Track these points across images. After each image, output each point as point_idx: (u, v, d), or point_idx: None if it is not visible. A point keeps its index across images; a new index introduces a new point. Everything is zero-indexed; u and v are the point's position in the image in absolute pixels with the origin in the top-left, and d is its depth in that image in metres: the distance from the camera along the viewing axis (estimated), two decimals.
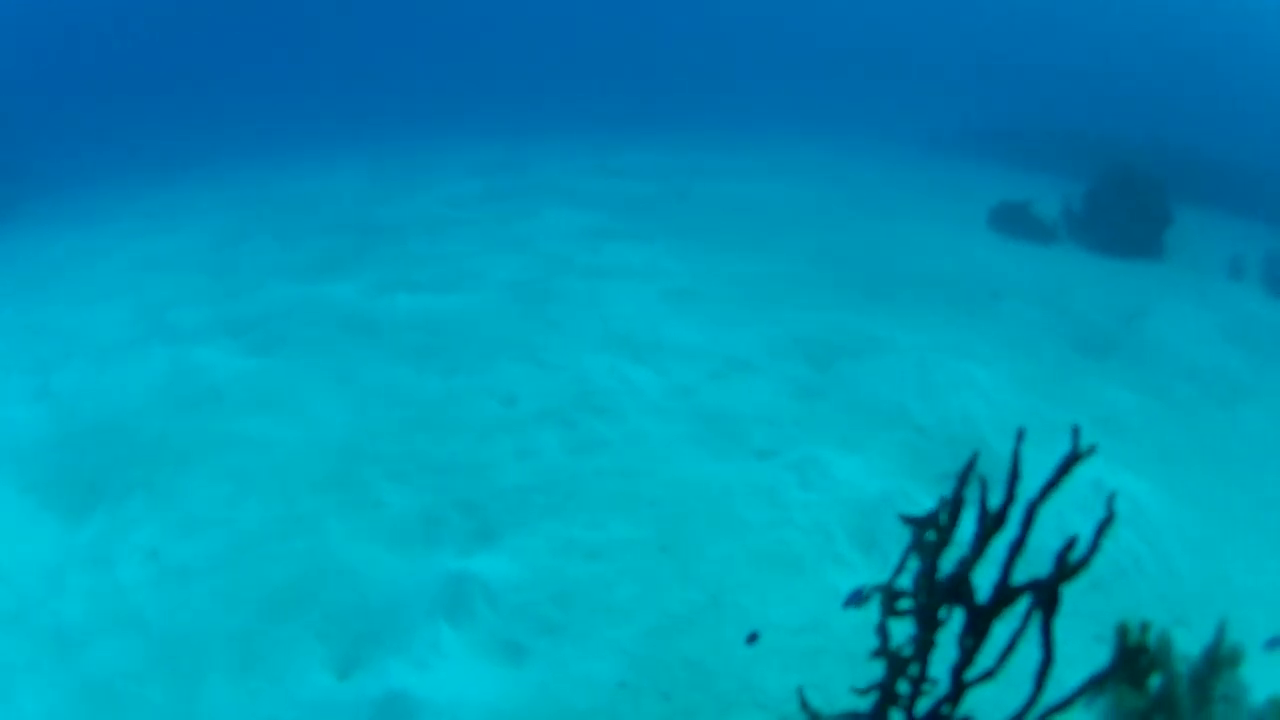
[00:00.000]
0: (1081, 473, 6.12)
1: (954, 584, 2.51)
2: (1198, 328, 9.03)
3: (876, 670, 4.17)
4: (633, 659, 4.12)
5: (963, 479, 2.64)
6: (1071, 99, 15.49)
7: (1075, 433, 2.62)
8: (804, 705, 2.84)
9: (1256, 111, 13.73)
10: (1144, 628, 4.01)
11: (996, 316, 8.95)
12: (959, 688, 2.53)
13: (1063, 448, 6.54)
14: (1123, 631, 3.99)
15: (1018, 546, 2.56)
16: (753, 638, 3.51)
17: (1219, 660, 3.83)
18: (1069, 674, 2.85)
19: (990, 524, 2.57)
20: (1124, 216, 11.26)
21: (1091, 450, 2.59)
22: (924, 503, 5.49)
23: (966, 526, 3.27)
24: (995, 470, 6.28)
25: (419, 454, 5.97)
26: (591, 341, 7.77)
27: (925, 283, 9.78)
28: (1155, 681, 3.95)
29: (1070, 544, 2.59)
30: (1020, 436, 2.71)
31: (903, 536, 5.19)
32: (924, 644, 2.57)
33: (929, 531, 3.09)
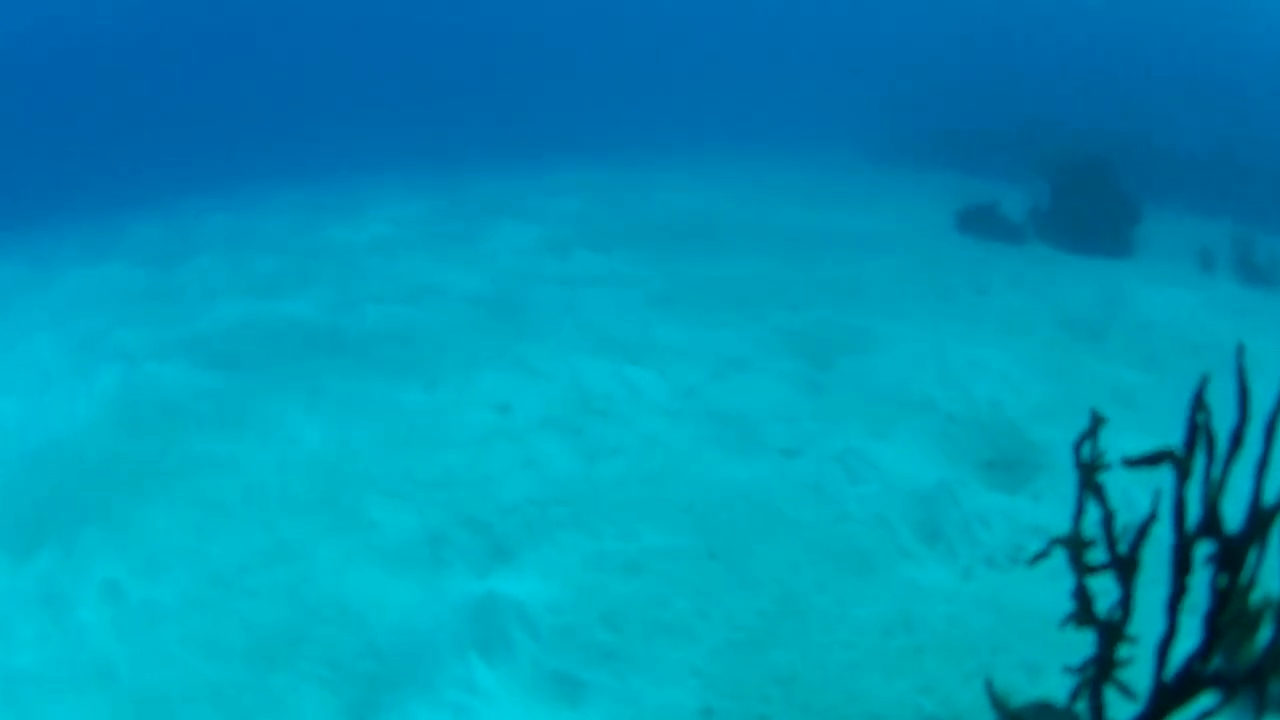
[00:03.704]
0: (1111, 446, 5.79)
1: (1207, 518, 2.04)
2: (1181, 310, 8.89)
3: (988, 660, 3.64)
4: (711, 681, 3.50)
5: (1195, 405, 2.17)
6: (1022, 96, 15.39)
7: None
8: (995, 703, 2.30)
9: (1222, 105, 13.81)
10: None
11: (987, 310, 8.66)
12: (1214, 637, 2.04)
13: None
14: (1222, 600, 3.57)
15: (1263, 465, 2.13)
16: None
17: None
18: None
19: (1230, 444, 2.13)
20: (1091, 215, 11.15)
21: None
22: (978, 489, 5.03)
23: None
24: (1033, 456, 5.90)
25: (410, 469, 5.26)
26: (579, 347, 7.17)
27: (905, 281, 9.45)
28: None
29: None
30: (1240, 352, 2.28)
31: (968, 525, 4.71)
32: (1177, 593, 2.08)
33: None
